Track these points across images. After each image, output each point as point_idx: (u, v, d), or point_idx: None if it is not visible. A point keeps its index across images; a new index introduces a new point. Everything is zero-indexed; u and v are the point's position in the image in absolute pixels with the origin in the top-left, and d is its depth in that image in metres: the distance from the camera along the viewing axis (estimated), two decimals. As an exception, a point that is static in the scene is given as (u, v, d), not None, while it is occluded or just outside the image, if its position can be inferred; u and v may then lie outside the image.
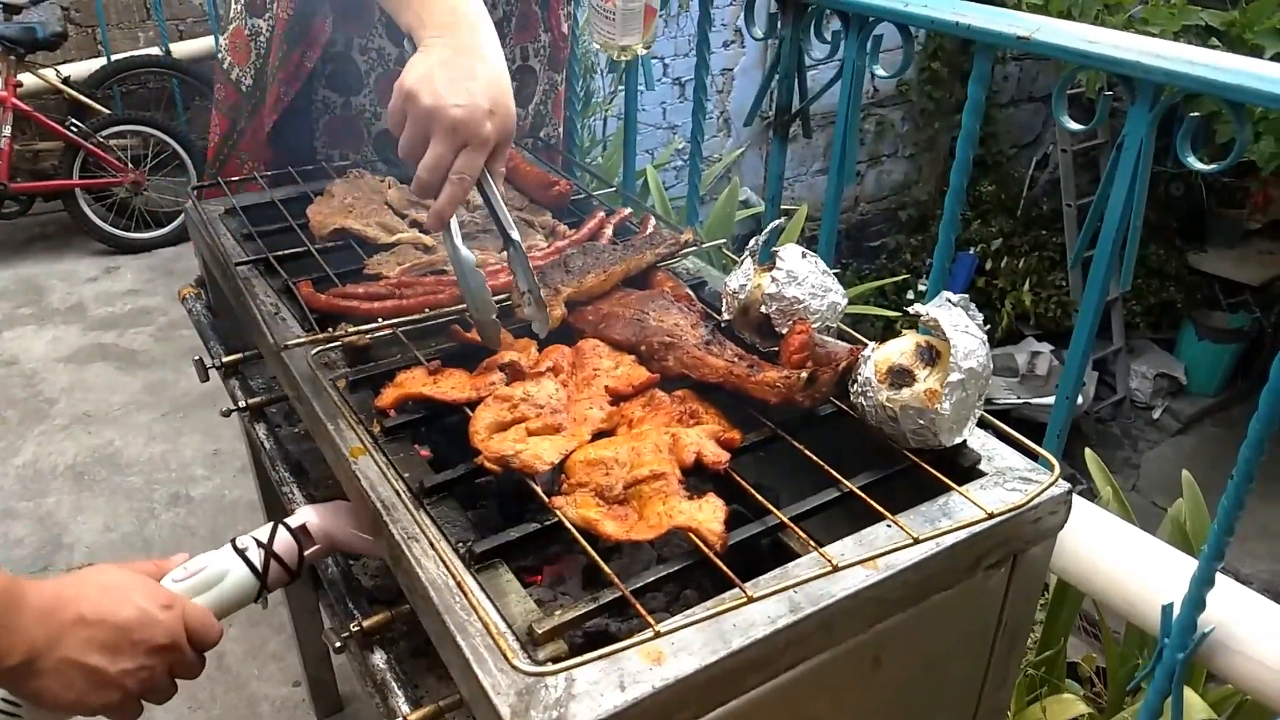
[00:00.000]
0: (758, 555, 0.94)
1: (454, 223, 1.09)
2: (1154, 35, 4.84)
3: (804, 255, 1.11)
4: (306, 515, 1.03)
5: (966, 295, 0.96)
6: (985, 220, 6.07)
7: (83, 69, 4.49)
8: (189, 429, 3.21)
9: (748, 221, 4.20)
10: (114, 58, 4.58)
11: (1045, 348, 5.65)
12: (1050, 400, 5.21)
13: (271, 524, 1.02)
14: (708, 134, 5.77)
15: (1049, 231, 6.04)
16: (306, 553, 1.01)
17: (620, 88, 4.12)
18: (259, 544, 0.99)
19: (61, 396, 3.41)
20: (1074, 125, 1.22)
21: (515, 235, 1.10)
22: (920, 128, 6.48)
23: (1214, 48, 4.20)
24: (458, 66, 1.06)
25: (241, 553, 0.98)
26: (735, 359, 1.07)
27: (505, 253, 1.13)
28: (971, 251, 5.93)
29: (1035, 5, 5.23)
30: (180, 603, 0.90)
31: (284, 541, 1.00)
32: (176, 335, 3.77)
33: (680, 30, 5.29)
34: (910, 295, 5.47)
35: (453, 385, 1.06)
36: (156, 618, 0.86)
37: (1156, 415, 5.68)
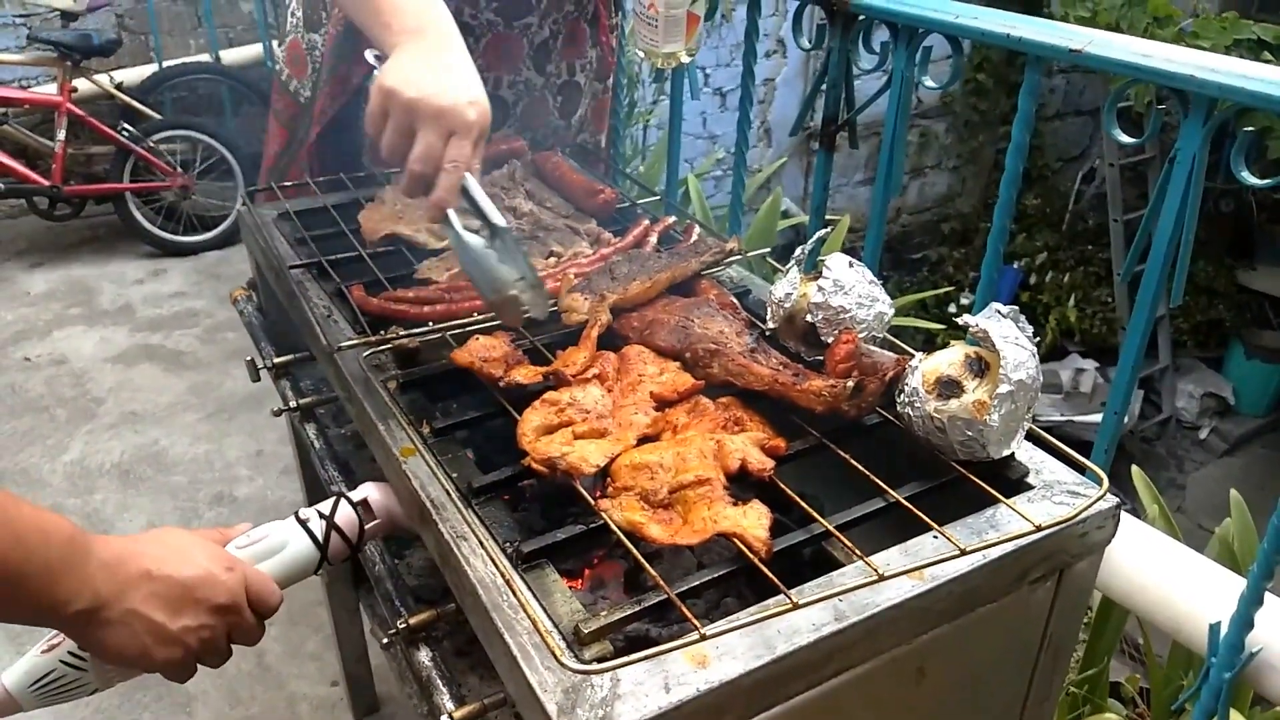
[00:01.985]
0: (801, 563, 0.94)
1: (452, 211, 1.10)
2: (1205, 49, 4.78)
3: (851, 264, 1.11)
4: (369, 490, 1.05)
5: (1016, 307, 0.96)
6: (1030, 234, 6.01)
7: (135, 75, 4.58)
8: (233, 430, 3.26)
9: (787, 232, 4.19)
10: (165, 64, 4.67)
11: (1090, 364, 5.57)
12: (1095, 418, 5.16)
13: (334, 496, 1.03)
14: (748, 144, 5.78)
15: (1095, 246, 5.96)
16: (367, 527, 1.02)
17: (662, 97, 4.14)
18: (321, 515, 1.00)
19: (109, 396, 3.48)
20: (1125, 138, 1.21)
21: (502, 222, 1.11)
22: (964, 139, 6.43)
23: (1266, 62, 4.14)
24: (433, 63, 1.09)
25: (304, 523, 0.99)
26: (780, 367, 1.07)
27: (495, 242, 1.12)
28: (1016, 266, 5.87)
29: (1082, 18, 5.19)
30: (242, 566, 0.91)
31: (345, 514, 1.01)
32: (221, 337, 3.83)
33: (722, 40, 5.30)
34: (953, 308, 5.42)
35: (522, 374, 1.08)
36: (219, 578, 0.87)
37: (1203, 435, 5.58)
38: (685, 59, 1.58)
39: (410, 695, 1.43)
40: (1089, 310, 5.78)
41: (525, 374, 1.08)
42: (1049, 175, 6.40)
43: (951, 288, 5.76)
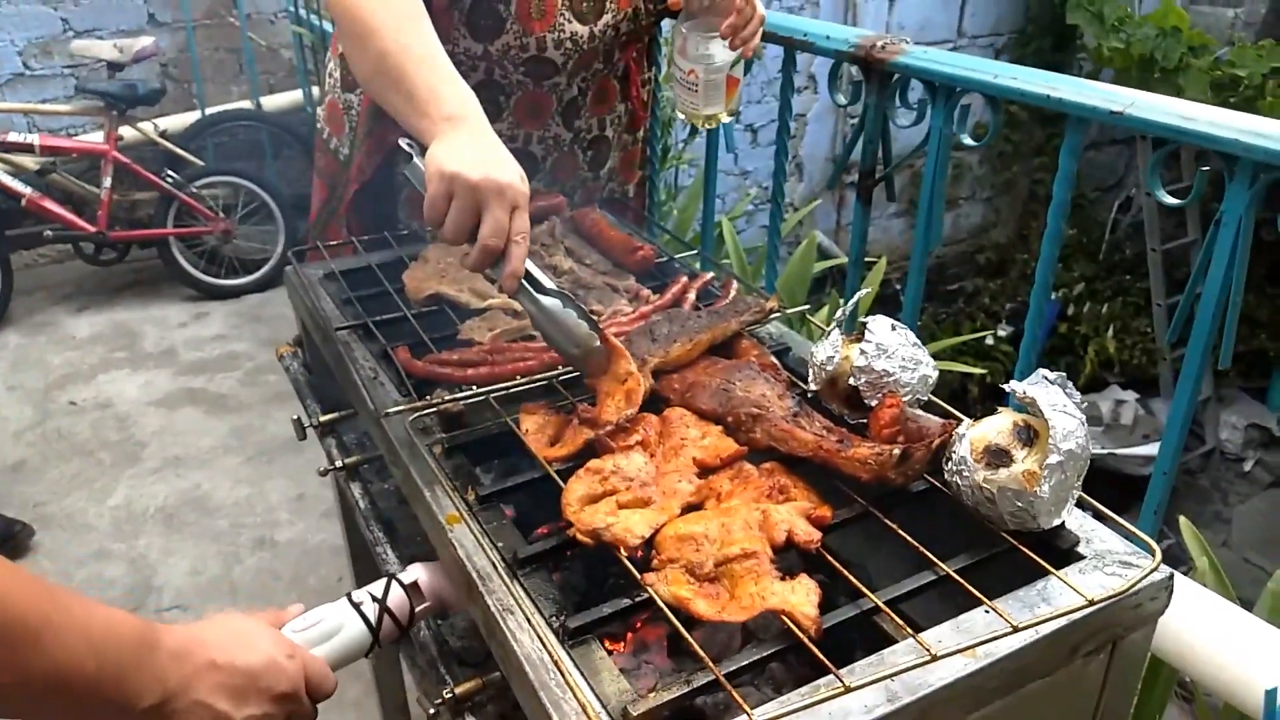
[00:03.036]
0: (849, 636, 0.93)
1: (523, 280, 1.13)
2: (1242, 77, 4.74)
3: (893, 328, 1.11)
4: (418, 572, 1.06)
5: (1064, 374, 0.95)
6: (1067, 265, 5.96)
7: (178, 122, 4.69)
8: (274, 473, 3.30)
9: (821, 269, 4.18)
10: (207, 111, 4.78)
11: (1130, 396, 5.50)
12: (1137, 450, 5.08)
13: (385, 579, 1.04)
14: (784, 195, 5.79)
15: (1133, 276, 5.90)
16: (417, 609, 1.03)
17: (697, 138, 4.17)
18: (374, 599, 1.01)
19: (152, 439, 3.54)
20: (1170, 200, 1.20)
21: (555, 287, 1.15)
22: (998, 171, 6.41)
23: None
24: (481, 146, 1.16)
25: (357, 606, 1.00)
26: (824, 432, 1.07)
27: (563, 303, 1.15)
28: (1053, 297, 5.82)
29: (1116, 49, 5.17)
30: (301, 653, 0.92)
31: (397, 597, 1.02)
32: (262, 380, 3.88)
33: (752, 77, 5.33)
34: (989, 339, 5.37)
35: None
36: (282, 665, 0.88)
37: (1248, 467, 5.47)
38: (726, 119, 1.59)
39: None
40: (1128, 341, 5.71)
41: (562, 451, 1.10)
42: (1085, 205, 6.35)
43: (987, 318, 5.71)
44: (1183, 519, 1.70)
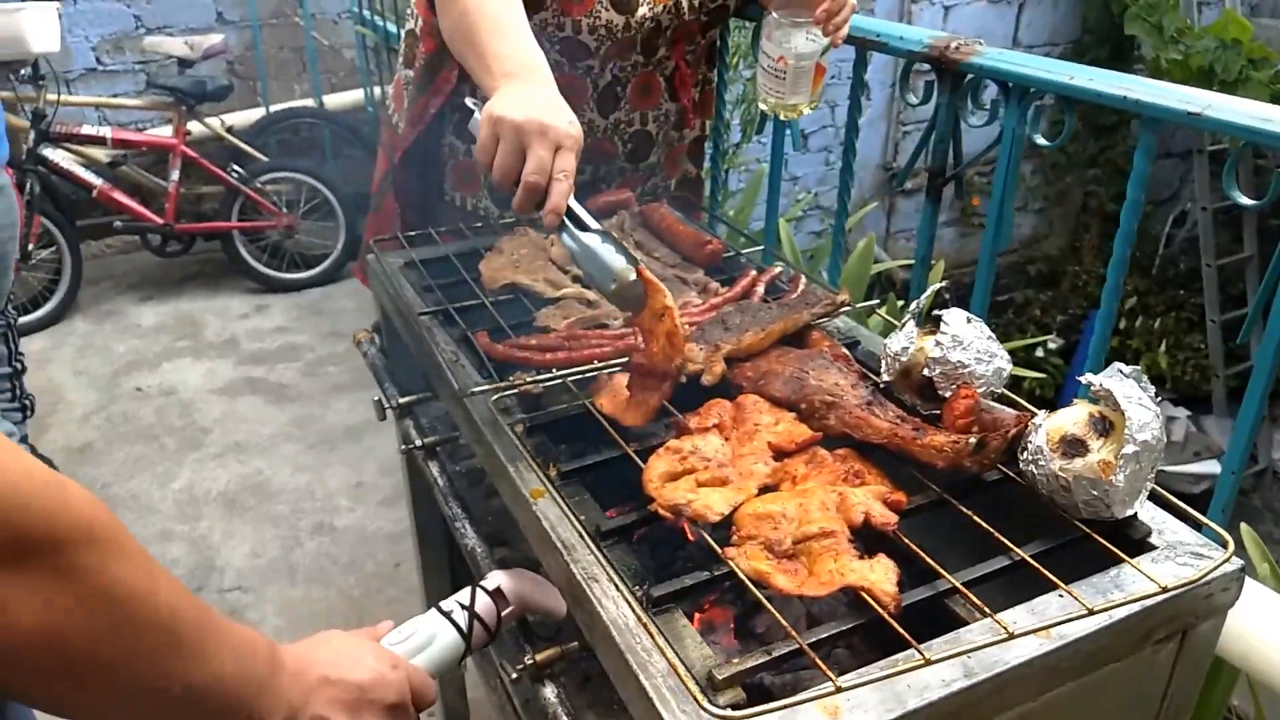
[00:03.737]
0: (920, 620, 0.96)
1: (566, 218, 1.17)
2: (1305, 91, 4.67)
3: (969, 320, 1.13)
4: (499, 579, 1.09)
5: (1139, 367, 0.97)
6: (1119, 279, 5.90)
7: (244, 118, 4.81)
8: (334, 461, 3.37)
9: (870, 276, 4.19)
10: (272, 108, 4.90)
11: (1182, 413, 5.43)
12: (1190, 468, 5.02)
13: (470, 588, 1.07)
14: (828, 185, 5.80)
15: (1186, 291, 5.83)
16: (503, 614, 1.06)
17: (746, 143, 4.20)
18: (463, 607, 1.04)
19: (215, 426, 3.63)
20: (1248, 201, 1.22)
21: (599, 226, 1.18)
22: (1051, 182, 6.36)
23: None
24: (531, 95, 1.22)
25: (448, 615, 1.04)
26: (899, 420, 1.09)
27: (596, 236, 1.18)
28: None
29: (1175, 60, 5.12)
30: (404, 664, 0.96)
31: (484, 603, 1.05)
32: (323, 372, 3.96)
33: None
34: (1040, 352, 5.34)
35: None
36: (388, 677, 0.91)
37: (1303, 487, 5.38)
38: (807, 110, 1.61)
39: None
40: (1180, 357, 5.64)
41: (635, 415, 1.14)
42: (1140, 219, 6.28)
43: (1039, 330, 5.67)
44: (1244, 526, 1.70)
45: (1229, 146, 1.32)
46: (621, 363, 1.28)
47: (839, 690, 0.77)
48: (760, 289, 1.49)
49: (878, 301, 1.42)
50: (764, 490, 1.04)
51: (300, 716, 0.83)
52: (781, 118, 1.66)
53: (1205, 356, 5.55)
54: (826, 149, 5.86)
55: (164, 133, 4.46)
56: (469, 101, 1.32)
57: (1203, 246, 5.28)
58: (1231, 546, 0.95)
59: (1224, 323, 5.38)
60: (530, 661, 1.03)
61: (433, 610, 1.04)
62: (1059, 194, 6.38)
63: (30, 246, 4.13)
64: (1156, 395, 0.98)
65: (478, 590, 1.06)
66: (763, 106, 1.66)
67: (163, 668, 0.70)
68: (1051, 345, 5.64)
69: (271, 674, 0.81)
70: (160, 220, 4.39)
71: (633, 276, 1.13)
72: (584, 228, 1.17)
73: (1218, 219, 5.29)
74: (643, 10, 1.65)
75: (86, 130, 4.25)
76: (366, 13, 4.48)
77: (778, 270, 1.55)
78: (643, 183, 1.93)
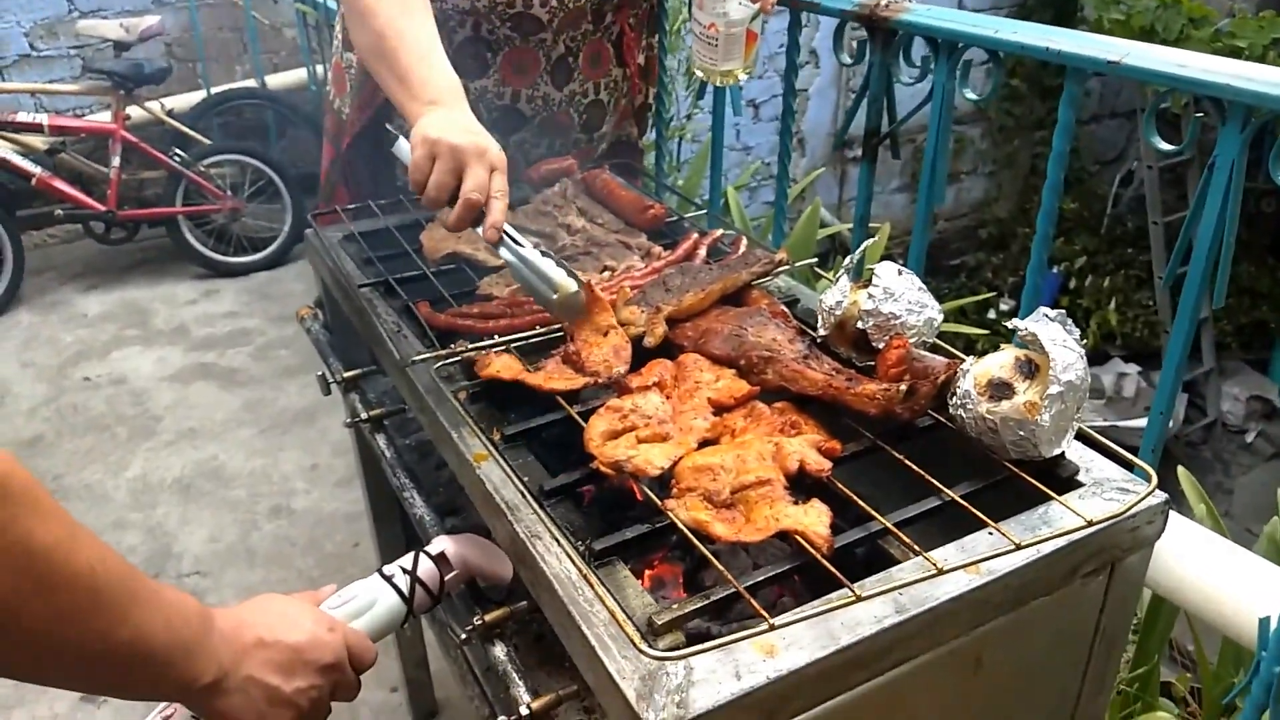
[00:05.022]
0: (856, 562, 0.98)
1: (504, 234, 1.24)
2: (1242, 49, 4.76)
3: (900, 272, 1.15)
4: (444, 544, 1.10)
5: (1063, 310, 1.00)
6: (1068, 239, 5.99)
7: (184, 101, 4.72)
8: (288, 444, 3.35)
9: (823, 241, 4.22)
10: (213, 90, 4.81)
11: (1132, 369, 5.54)
12: (1139, 423, 5.12)
13: (414, 552, 1.09)
14: (790, 158, 5.82)
15: (1134, 249, 5.92)
16: (446, 578, 1.08)
17: (695, 112, 4.19)
18: (405, 571, 1.06)
19: (167, 414, 3.59)
20: (1165, 146, 1.25)
21: (531, 244, 1.25)
22: (1000, 145, 6.43)
23: (1306, 61, 4.12)
24: (460, 120, 1.28)
25: (389, 579, 1.05)
26: (833, 372, 1.11)
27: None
28: (1055, 270, 5.85)
29: (1117, 20, 5.18)
30: (341, 626, 0.97)
31: (427, 568, 1.07)
32: (273, 355, 3.93)
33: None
34: (992, 314, 5.41)
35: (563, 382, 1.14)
36: (324, 639, 0.92)
37: (1250, 439, 5.52)
38: (742, 76, 1.62)
39: (471, 697, 1.49)
40: (1130, 314, 5.74)
41: (563, 382, 1.14)
42: (1086, 178, 6.37)
43: (991, 293, 5.75)
44: (1181, 469, 1.75)
45: (1160, 98, 1.35)
46: (562, 327, 1.29)
47: (773, 628, 0.79)
48: (702, 252, 1.50)
49: (815, 259, 1.44)
50: (704, 444, 1.06)
51: (232, 677, 0.84)
52: (717, 84, 1.67)
53: (1154, 313, 5.65)
54: (778, 119, 5.88)
55: (103, 118, 4.36)
56: (389, 127, 1.40)
57: (1149, 204, 5.36)
58: (1155, 479, 0.98)
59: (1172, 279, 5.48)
60: (479, 622, 1.04)
61: (375, 575, 1.05)
62: (1007, 157, 6.45)
63: (-31, 238, 4.05)
64: (1080, 338, 1.01)
65: (421, 555, 1.07)
66: (698, 73, 1.67)
67: (85, 625, 0.71)
68: (1004, 307, 5.72)
69: (203, 635, 0.82)
70: (102, 207, 4.30)
71: (574, 287, 1.19)
72: (519, 244, 1.23)
73: (1163, 177, 5.37)
74: None
75: (22, 118, 4.15)
76: (306, -10, 4.40)
77: (720, 234, 1.56)
78: (595, 152, 1.93)
